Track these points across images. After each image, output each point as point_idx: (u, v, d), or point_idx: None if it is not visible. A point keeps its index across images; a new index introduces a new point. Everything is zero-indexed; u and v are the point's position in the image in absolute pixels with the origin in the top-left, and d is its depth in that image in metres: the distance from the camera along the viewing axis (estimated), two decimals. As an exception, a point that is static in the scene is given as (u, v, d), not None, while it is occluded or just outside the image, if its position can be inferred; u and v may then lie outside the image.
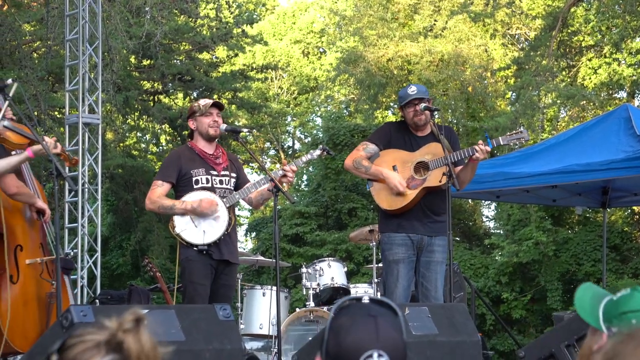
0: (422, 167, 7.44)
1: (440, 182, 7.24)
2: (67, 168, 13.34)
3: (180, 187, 7.16)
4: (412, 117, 7.51)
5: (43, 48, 18.15)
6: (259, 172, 33.59)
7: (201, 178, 7.15)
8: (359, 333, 2.56)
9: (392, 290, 7.36)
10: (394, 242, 7.45)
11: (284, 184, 7.04)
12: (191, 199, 7.05)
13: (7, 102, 6.47)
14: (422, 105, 7.43)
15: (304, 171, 29.73)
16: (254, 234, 25.47)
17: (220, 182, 7.21)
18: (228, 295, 7.19)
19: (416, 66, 24.13)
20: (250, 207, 7.52)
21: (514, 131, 7.52)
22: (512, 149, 15.26)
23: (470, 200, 22.83)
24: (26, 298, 6.78)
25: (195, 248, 7.01)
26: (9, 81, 6.11)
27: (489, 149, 7.17)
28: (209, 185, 7.16)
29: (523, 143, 7.61)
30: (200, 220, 7.03)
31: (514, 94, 23.71)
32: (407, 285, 7.43)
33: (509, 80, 25.10)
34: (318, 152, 7.47)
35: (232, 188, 7.26)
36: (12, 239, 6.78)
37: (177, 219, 7.05)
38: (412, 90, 7.52)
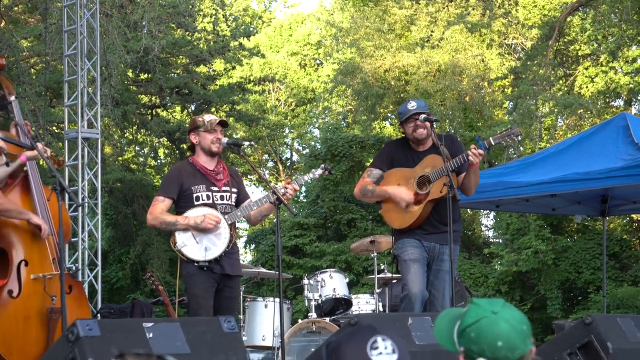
0: (424, 180, 7.47)
1: (441, 192, 7.26)
2: (66, 175, 13.39)
3: (181, 203, 7.16)
4: (412, 132, 7.54)
5: (41, 64, 18.19)
6: (257, 185, 33.60)
7: (202, 194, 7.14)
8: (358, 334, 2.58)
9: (412, 288, 7.37)
10: (408, 244, 7.51)
11: (284, 199, 7.05)
12: (193, 215, 7.06)
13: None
14: (422, 116, 7.46)
15: (303, 183, 29.77)
16: (253, 246, 25.49)
17: (221, 197, 7.20)
18: (232, 307, 7.20)
19: (413, 77, 24.16)
20: (249, 224, 7.53)
21: (504, 129, 7.54)
22: (511, 158, 15.31)
23: (469, 210, 22.85)
24: (28, 313, 6.72)
25: (196, 264, 7.03)
26: (12, 98, 6.15)
27: (481, 151, 7.20)
28: (210, 201, 7.14)
29: (514, 139, 7.59)
30: (202, 237, 7.02)
31: (511, 103, 23.74)
32: (423, 287, 7.46)
33: (506, 90, 25.15)
34: (319, 171, 7.50)
35: (233, 204, 7.26)
36: (15, 254, 6.78)
37: (178, 235, 7.04)
38: (412, 105, 7.54)
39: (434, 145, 7.52)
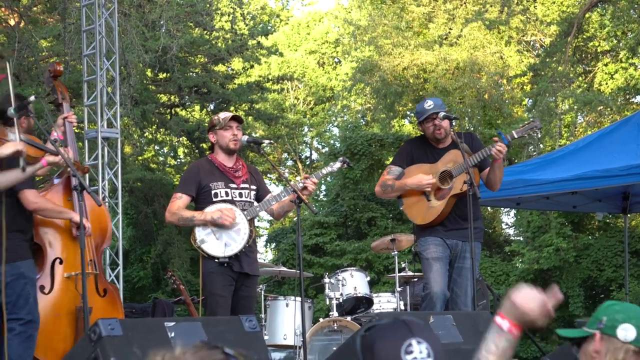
0: (446, 176, 7.45)
1: (464, 189, 7.24)
2: (86, 175, 13.41)
3: (200, 200, 7.18)
4: (432, 131, 7.53)
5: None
6: (277, 183, 33.61)
7: (220, 191, 7.16)
8: (391, 333, 2.54)
9: (434, 287, 7.35)
10: (430, 242, 7.49)
11: (304, 196, 7.05)
12: (211, 210, 7.07)
13: (27, 119, 6.54)
14: (442, 114, 7.44)
15: (322, 181, 29.77)
16: (273, 245, 25.49)
17: (240, 194, 7.22)
18: (249, 307, 7.20)
19: (432, 74, 24.10)
20: (272, 219, 7.55)
21: (526, 122, 7.52)
22: (531, 155, 15.27)
23: (489, 208, 22.78)
24: (57, 310, 6.87)
25: (216, 260, 7.02)
26: (32, 98, 6.16)
27: (504, 145, 7.18)
28: (229, 198, 7.17)
29: (536, 132, 7.57)
30: (222, 233, 7.03)
31: (530, 100, 23.65)
32: (445, 286, 7.43)
33: (525, 87, 25.06)
34: (338, 164, 7.50)
35: (252, 200, 7.28)
36: (50, 252, 6.89)
37: (198, 231, 7.06)
38: (429, 105, 7.52)
39: (453, 143, 7.50)
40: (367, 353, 2.58)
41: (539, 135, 8.27)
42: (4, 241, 6.11)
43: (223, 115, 7.33)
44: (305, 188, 7.08)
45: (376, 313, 9.69)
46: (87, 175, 13.86)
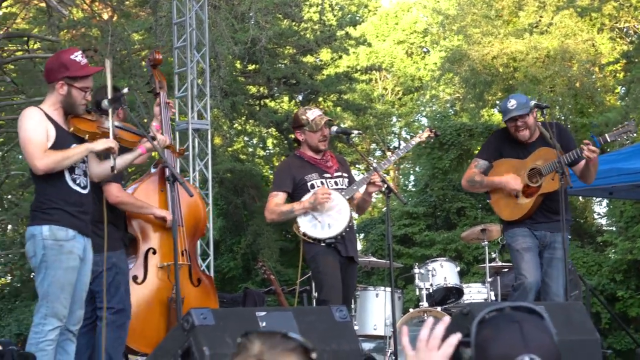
0: (536, 173, 7.35)
1: (553, 185, 7.14)
2: (177, 165, 13.56)
3: (297, 195, 7.21)
4: (515, 132, 7.41)
5: (160, 52, 18.40)
6: (365, 174, 33.56)
7: (316, 182, 7.20)
8: (505, 341, 2.47)
9: (528, 276, 7.26)
10: (518, 234, 7.41)
11: (373, 190, 7.09)
12: (307, 197, 7.12)
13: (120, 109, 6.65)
14: (532, 102, 7.34)
15: (411, 172, 29.68)
16: (362, 235, 25.50)
17: (335, 183, 7.27)
18: (348, 296, 7.22)
19: (522, 63, 23.85)
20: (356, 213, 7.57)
21: (620, 125, 7.36)
22: (623, 144, 15.00)
23: (581, 198, 22.46)
24: (150, 300, 7.00)
25: (322, 244, 7.05)
26: (125, 90, 6.25)
27: (597, 148, 7.05)
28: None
29: (631, 136, 7.42)
30: (323, 216, 7.07)
31: (623, 88, 23.27)
32: (539, 275, 7.34)
33: (618, 75, 24.64)
34: (426, 134, 7.55)
35: (347, 188, 7.31)
36: (144, 242, 7.04)
37: (300, 220, 7.10)
38: (512, 104, 7.30)
39: (541, 136, 7.39)
40: (478, 352, 2.53)
41: (634, 135, 7.97)
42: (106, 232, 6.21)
43: (312, 115, 7.29)
44: (372, 184, 7.09)
45: (467, 303, 9.63)
46: (178, 165, 14.03)
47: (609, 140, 7.20)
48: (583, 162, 7.28)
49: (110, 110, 6.00)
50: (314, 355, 2.41)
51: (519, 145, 7.48)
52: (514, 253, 7.47)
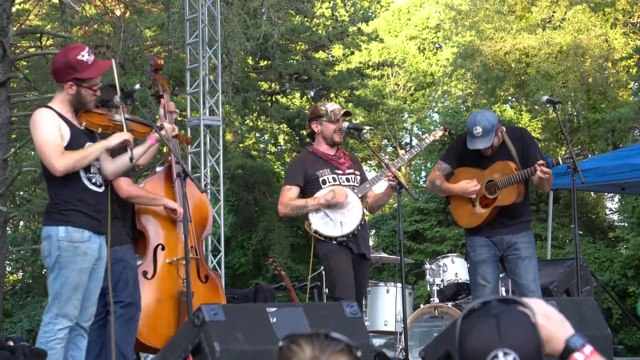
0: (493, 185, 7.33)
1: (509, 200, 7.19)
2: (189, 162, 13.61)
3: (309, 190, 7.22)
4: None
5: (164, 52, 18.49)
6: (377, 170, 33.55)
7: (328, 177, 7.21)
8: (480, 335, 2.48)
9: (480, 290, 7.29)
10: (476, 244, 7.38)
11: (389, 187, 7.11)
12: (322, 193, 7.11)
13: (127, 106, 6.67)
14: (545, 98, 7.34)
15: (422, 168, 29.64)
16: (373, 231, 25.50)
17: (347, 180, 7.27)
18: (360, 293, 7.23)
19: (534, 59, 23.78)
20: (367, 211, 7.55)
21: (575, 149, 7.28)
22: (637, 139, 14.97)
23: (592, 193, 22.42)
24: (160, 295, 7.02)
25: (334, 241, 7.07)
26: (137, 86, 6.26)
27: (549, 170, 7.02)
28: (336, 183, 7.23)
29: (582, 159, 7.38)
30: (335, 213, 7.08)
31: (636, 83, 23.19)
32: (495, 284, 7.37)
33: (631, 70, 24.55)
34: (440, 132, 7.52)
35: (359, 185, 7.31)
36: (153, 238, 7.07)
37: (312, 217, 7.11)
38: (478, 131, 7.09)
39: (504, 145, 7.33)
40: (459, 344, 2.54)
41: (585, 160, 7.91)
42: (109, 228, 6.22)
43: (331, 107, 7.34)
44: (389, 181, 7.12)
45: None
46: (189, 161, 14.06)
47: (561, 163, 7.17)
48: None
49: (121, 106, 6.03)
50: (358, 353, 2.41)
51: (480, 155, 7.37)
52: (471, 264, 7.48)
